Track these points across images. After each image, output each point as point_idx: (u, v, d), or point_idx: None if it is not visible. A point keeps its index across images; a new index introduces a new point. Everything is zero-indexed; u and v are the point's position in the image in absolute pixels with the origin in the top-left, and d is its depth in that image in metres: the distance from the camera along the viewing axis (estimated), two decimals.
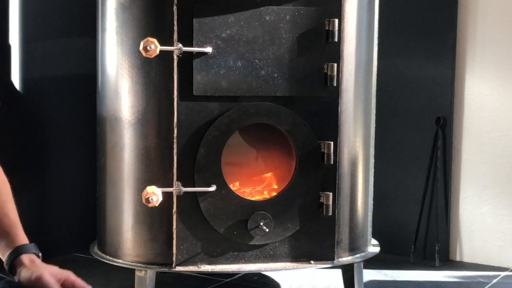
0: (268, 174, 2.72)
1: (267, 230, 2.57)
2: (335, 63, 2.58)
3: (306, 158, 2.61)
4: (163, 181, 2.52)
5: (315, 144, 2.60)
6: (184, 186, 2.51)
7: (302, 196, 2.62)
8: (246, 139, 2.68)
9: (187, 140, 2.52)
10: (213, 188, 2.52)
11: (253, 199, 2.63)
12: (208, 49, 2.48)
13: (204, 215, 2.55)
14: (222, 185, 2.55)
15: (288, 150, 2.64)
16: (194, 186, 2.53)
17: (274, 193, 2.65)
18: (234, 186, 2.63)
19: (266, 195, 2.66)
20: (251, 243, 2.59)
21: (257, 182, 2.72)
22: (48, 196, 3.27)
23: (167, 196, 2.50)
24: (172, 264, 2.56)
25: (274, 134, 2.63)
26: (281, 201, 2.61)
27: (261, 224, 2.57)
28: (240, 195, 2.60)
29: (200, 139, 2.52)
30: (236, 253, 2.59)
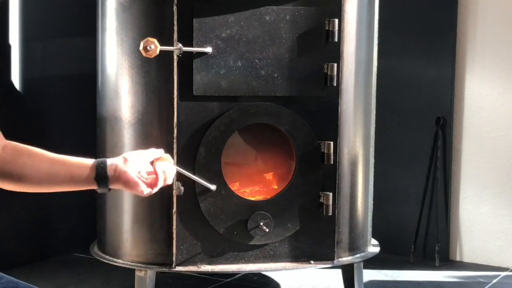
0: (268, 174, 2.72)
1: (267, 230, 2.57)
2: (335, 63, 2.58)
3: (306, 158, 2.61)
4: None
5: (315, 144, 2.60)
6: (184, 186, 2.51)
7: (302, 196, 2.62)
8: (246, 139, 2.68)
9: (187, 140, 2.52)
10: (213, 187, 2.51)
11: (253, 199, 2.63)
12: (208, 49, 2.48)
13: (204, 215, 2.55)
14: (222, 185, 2.55)
15: (288, 150, 2.64)
16: (194, 186, 2.53)
17: (274, 193, 2.65)
18: (234, 186, 2.63)
19: (266, 195, 2.66)
20: (251, 243, 2.59)
21: (257, 182, 2.72)
22: (48, 196, 3.25)
23: (167, 196, 2.50)
24: (172, 264, 2.56)
25: (274, 134, 2.63)
26: (281, 201, 2.61)
27: (261, 224, 2.57)
28: (240, 195, 2.60)
29: (200, 139, 2.52)
30: (236, 253, 2.59)
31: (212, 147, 2.53)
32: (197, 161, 2.52)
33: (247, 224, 2.57)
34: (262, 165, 2.74)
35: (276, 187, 2.68)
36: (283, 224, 2.61)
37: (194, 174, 2.52)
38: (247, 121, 2.56)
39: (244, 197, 2.61)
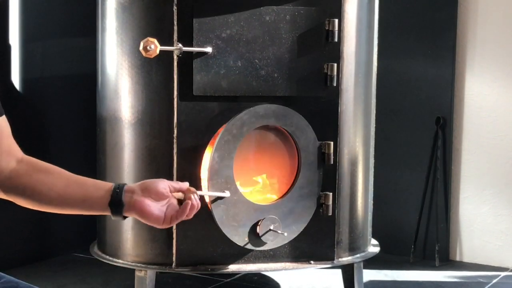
0: (272, 176, 2.69)
1: (285, 234, 2.55)
2: (335, 63, 2.58)
3: (309, 158, 2.60)
4: None
5: (317, 144, 2.59)
6: None
7: (306, 197, 2.61)
8: (248, 141, 2.65)
9: (187, 140, 2.52)
10: (227, 194, 2.49)
11: (261, 203, 2.59)
12: (208, 49, 2.48)
13: (203, 215, 2.54)
14: (234, 191, 2.51)
15: (289, 151, 2.63)
16: (196, 187, 2.51)
17: (279, 196, 2.62)
18: (243, 191, 2.59)
19: (271, 198, 2.63)
20: (264, 248, 2.57)
21: (262, 185, 2.69)
22: None
23: None
24: (172, 264, 2.56)
25: (273, 135, 2.62)
26: (286, 203, 2.59)
27: (271, 228, 2.55)
28: (250, 200, 2.56)
29: (201, 140, 2.52)
30: (236, 253, 2.59)
31: (224, 151, 2.50)
32: (211, 166, 2.48)
33: (258, 230, 2.55)
34: (265, 167, 2.72)
35: (276, 187, 2.68)
36: (289, 227, 2.59)
37: (194, 174, 2.52)
38: (256, 124, 2.54)
39: (253, 201, 2.57)
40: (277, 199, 2.61)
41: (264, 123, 2.56)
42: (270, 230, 2.55)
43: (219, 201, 2.50)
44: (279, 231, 2.55)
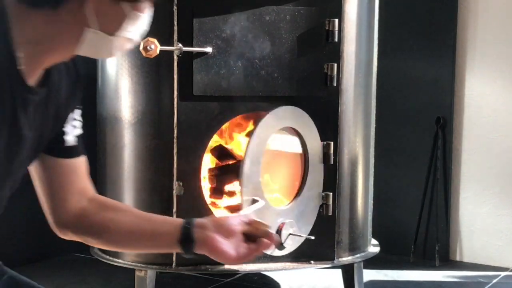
0: (280, 179, 2.68)
1: (312, 238, 2.49)
2: (335, 63, 2.58)
3: (315, 160, 2.58)
4: (163, 181, 2.51)
5: (319, 144, 2.59)
6: (184, 186, 2.50)
7: (312, 198, 2.59)
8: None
9: (187, 140, 2.52)
10: (263, 203, 2.31)
11: (278, 207, 2.56)
12: (208, 49, 2.48)
13: (203, 216, 2.53)
14: (261, 197, 2.45)
15: (297, 152, 2.61)
16: (196, 187, 2.51)
17: (291, 199, 2.60)
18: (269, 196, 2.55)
19: (285, 201, 2.61)
20: (284, 252, 2.54)
21: (275, 188, 2.68)
22: None
23: (167, 196, 2.50)
24: (172, 264, 2.56)
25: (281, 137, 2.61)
26: (299, 205, 2.57)
27: (291, 232, 2.51)
28: (271, 205, 2.53)
29: (202, 140, 2.52)
30: None
31: (253, 156, 2.45)
32: (243, 173, 2.42)
33: (281, 235, 2.50)
34: (275, 170, 2.70)
35: (276, 187, 2.68)
36: (300, 228, 2.56)
37: (195, 175, 2.52)
38: (278, 126, 2.51)
39: (273, 206, 2.54)
40: (290, 202, 2.59)
41: (284, 124, 2.54)
42: (290, 234, 2.49)
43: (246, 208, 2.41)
44: (302, 235, 2.49)
